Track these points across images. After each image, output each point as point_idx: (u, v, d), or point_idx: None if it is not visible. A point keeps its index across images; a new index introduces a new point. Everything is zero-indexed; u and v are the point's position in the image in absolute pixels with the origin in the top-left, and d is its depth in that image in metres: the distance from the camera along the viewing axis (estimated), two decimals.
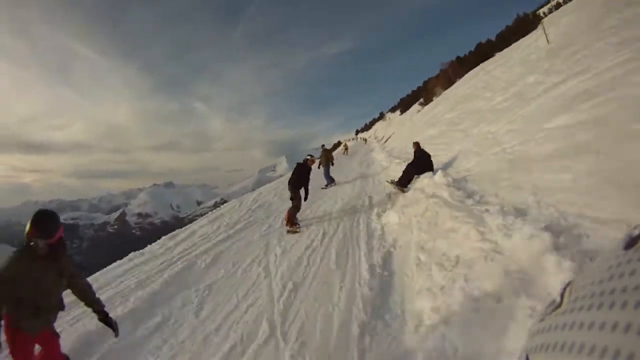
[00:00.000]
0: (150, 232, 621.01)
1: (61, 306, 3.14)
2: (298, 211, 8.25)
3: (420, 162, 9.00)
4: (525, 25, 33.91)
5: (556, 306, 0.44)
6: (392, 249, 5.31)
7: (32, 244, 2.75)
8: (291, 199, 8.22)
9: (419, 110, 50.27)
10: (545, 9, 43.18)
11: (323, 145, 16.25)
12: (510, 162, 6.19)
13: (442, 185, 6.38)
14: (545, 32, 16.44)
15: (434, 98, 46.32)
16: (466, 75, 35.26)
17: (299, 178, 8.47)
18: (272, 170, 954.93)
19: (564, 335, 0.42)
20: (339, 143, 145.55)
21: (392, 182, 8.87)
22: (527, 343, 0.45)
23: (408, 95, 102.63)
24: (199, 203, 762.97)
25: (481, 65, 32.86)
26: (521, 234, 3.42)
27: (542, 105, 7.99)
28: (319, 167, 14.26)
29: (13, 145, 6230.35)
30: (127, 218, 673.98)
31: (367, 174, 14.86)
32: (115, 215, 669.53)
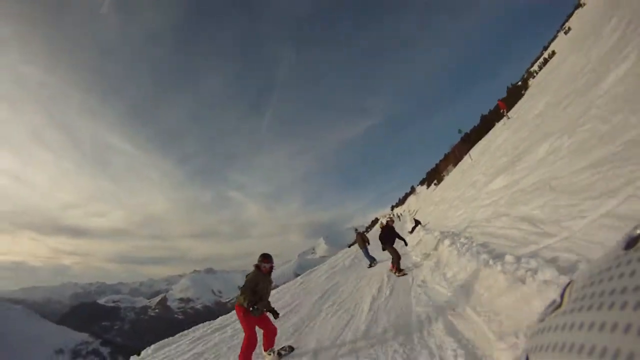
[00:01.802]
0: (193, 316, 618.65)
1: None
2: (399, 259, 9.63)
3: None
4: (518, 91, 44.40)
5: (556, 306, 0.44)
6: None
7: (262, 268, 5.19)
8: (384, 250, 9.99)
9: (434, 189, 59.39)
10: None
11: (356, 229, 16.26)
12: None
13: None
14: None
15: (444, 176, 56.41)
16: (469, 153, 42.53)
17: (386, 235, 10.10)
18: (312, 253, 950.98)
19: (564, 336, 0.43)
20: (376, 220, 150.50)
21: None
22: (527, 343, 0.45)
23: (432, 169, 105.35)
24: (240, 288, 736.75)
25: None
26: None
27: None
28: (358, 246, 15.09)
29: (55, 228, 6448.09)
30: (168, 303, 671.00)
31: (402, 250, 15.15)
32: (157, 299, 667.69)
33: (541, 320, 0.43)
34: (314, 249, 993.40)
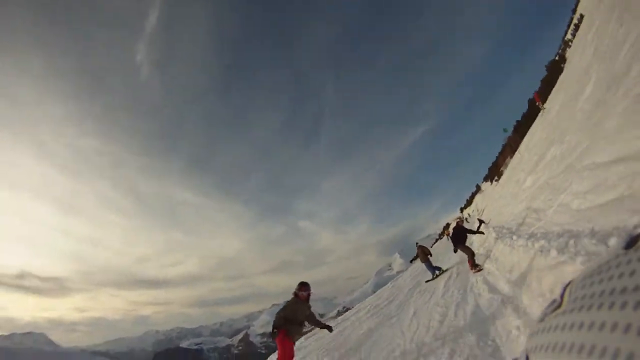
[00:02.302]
0: (276, 349, 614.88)
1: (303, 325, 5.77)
2: (474, 256, 9.84)
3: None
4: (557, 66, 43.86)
5: (556, 306, 0.45)
6: None
7: (299, 296, 5.61)
8: (457, 250, 10.54)
9: (495, 185, 58.60)
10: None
11: (417, 243, 16.08)
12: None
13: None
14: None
15: (503, 171, 56.73)
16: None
17: (458, 235, 10.48)
18: (389, 269, 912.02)
19: (564, 336, 0.44)
20: (447, 225, 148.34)
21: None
22: (527, 343, 0.46)
23: (492, 164, 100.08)
24: (321, 315, 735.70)
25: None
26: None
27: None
28: (420, 260, 14.75)
29: (132, 282, 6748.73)
30: (251, 339, 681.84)
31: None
32: (239, 337, 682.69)
33: (541, 320, 0.46)
34: (390, 265, 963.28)
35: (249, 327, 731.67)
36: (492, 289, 6.34)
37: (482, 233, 12.19)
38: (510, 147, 59.85)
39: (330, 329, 6.05)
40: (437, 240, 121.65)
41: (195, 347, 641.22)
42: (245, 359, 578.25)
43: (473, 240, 15.93)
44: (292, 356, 5.58)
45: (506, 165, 57.03)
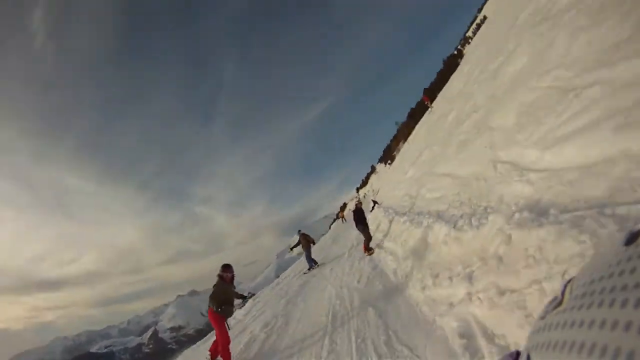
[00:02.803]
0: (187, 343, 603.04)
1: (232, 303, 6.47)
2: (370, 240, 10.79)
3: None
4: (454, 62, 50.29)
5: (557, 304, 0.44)
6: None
7: (224, 277, 6.25)
8: (360, 231, 11.01)
9: (388, 168, 66.52)
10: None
11: (299, 231, 15.49)
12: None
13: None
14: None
15: (395, 155, 63.49)
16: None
17: (359, 218, 11.02)
18: (290, 252, 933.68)
19: (565, 334, 0.43)
20: (344, 205, 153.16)
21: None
22: (528, 341, 0.44)
23: (387, 147, 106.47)
24: (209, 297, 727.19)
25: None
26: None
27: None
28: (302, 248, 14.61)
29: (29, 286, 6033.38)
30: (160, 335, 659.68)
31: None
32: (148, 334, 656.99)
33: (542, 317, 0.44)
34: (290, 247, 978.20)
35: (156, 323, 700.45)
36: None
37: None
38: (403, 133, 66.70)
39: (249, 296, 7.26)
40: (334, 220, 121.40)
41: (106, 350, 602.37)
42: (157, 357, 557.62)
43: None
44: (228, 336, 6.11)
45: (398, 150, 63.62)
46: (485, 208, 5.66)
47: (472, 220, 5.28)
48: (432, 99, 41.07)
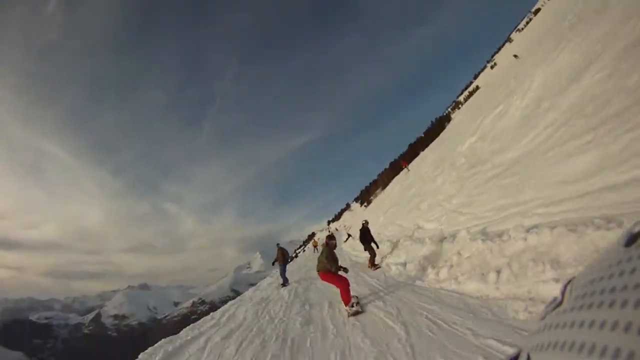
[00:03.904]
0: (127, 333, 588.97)
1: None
2: (375, 257, 11.59)
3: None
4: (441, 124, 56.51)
5: (557, 304, 0.44)
6: None
7: (329, 245, 7.22)
8: (365, 249, 11.92)
9: (365, 209, 71.77)
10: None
11: (278, 244, 15.55)
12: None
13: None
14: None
15: (372, 199, 68.79)
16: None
17: (365, 236, 11.86)
18: (248, 268, 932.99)
19: (565, 334, 0.43)
20: (313, 234, 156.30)
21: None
22: (528, 342, 0.44)
23: (365, 189, 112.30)
24: (176, 304, 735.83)
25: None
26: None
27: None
28: (278, 263, 14.29)
29: None
30: (102, 319, 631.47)
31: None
32: (91, 316, 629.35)
33: (542, 318, 0.44)
34: (249, 264, 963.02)
35: (101, 307, 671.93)
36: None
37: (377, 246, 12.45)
38: (382, 181, 72.19)
39: (346, 270, 7.10)
40: (300, 247, 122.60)
41: (45, 320, 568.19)
42: (95, 340, 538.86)
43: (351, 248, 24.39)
44: (347, 280, 6.92)
45: (376, 196, 69.38)
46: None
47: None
48: (414, 157, 47.29)
